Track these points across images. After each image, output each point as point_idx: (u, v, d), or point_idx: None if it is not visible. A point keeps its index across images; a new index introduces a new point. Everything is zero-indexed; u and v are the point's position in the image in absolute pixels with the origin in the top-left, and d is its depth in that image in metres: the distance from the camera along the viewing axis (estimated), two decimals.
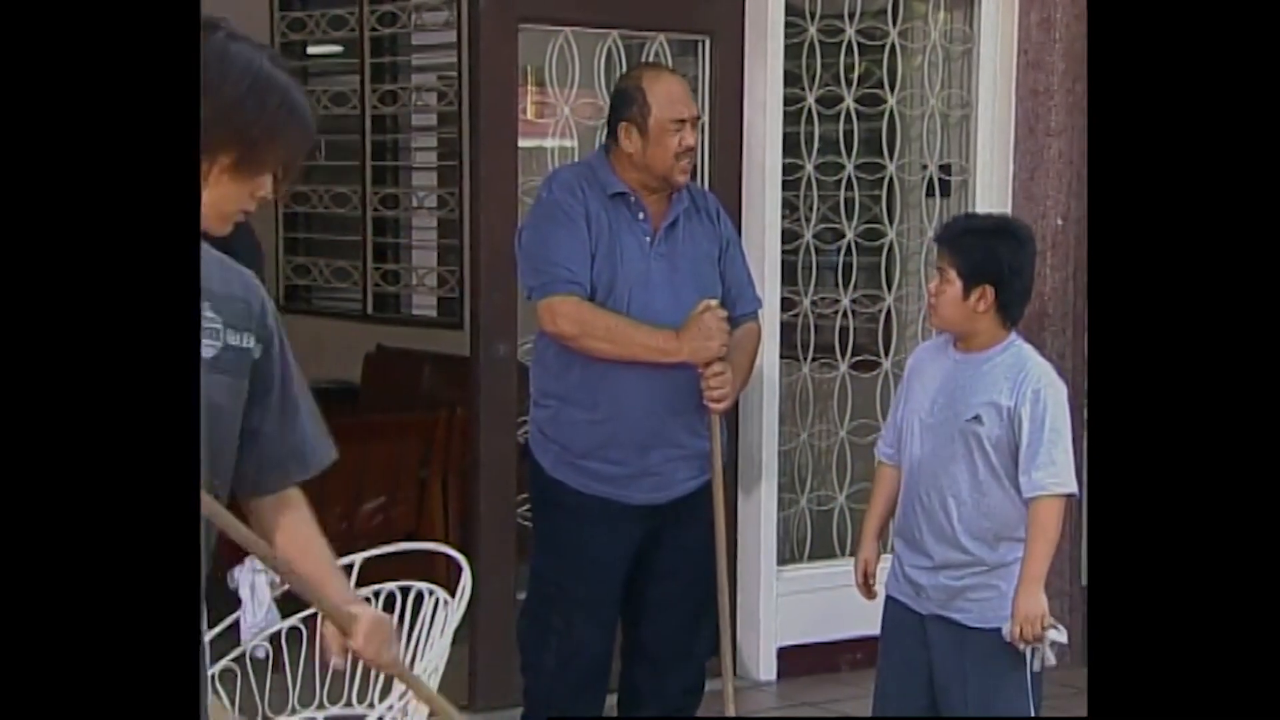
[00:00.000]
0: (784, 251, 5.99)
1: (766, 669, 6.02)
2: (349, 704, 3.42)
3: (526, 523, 5.00)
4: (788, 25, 5.94)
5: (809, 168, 6.12)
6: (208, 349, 2.42)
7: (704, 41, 5.88)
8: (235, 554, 3.85)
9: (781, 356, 6.02)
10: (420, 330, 8.19)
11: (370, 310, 8.56)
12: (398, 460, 6.47)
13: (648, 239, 4.41)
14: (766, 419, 5.95)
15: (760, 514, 5.96)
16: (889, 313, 6.36)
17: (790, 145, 6.00)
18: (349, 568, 3.49)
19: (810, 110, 6.09)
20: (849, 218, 6.24)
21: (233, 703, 3.11)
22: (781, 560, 6.08)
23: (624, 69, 5.58)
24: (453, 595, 3.20)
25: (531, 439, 4.53)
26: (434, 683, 3.01)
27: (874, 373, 6.33)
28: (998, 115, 6.34)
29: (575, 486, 4.39)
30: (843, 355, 6.28)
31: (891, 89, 6.29)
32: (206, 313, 2.42)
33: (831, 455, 6.29)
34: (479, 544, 5.46)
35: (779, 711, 5.81)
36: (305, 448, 2.67)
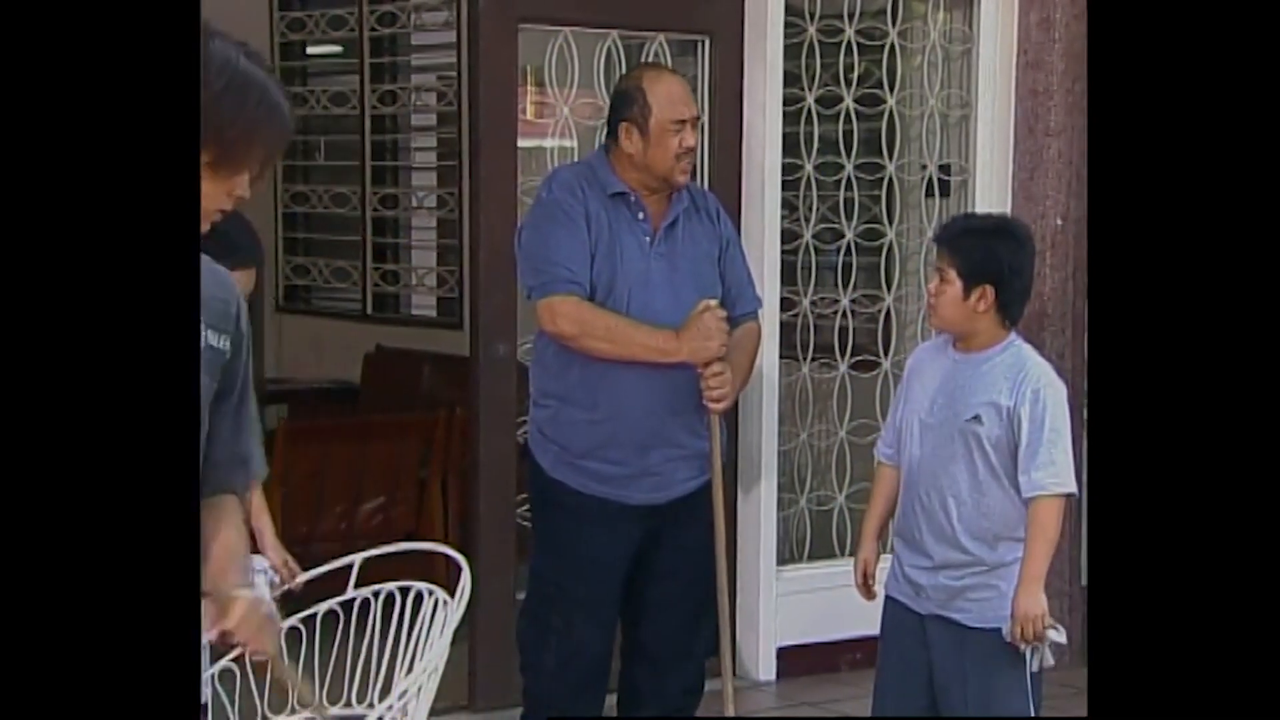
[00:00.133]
0: (783, 251, 5.99)
1: (766, 669, 6.02)
2: (349, 704, 3.41)
3: (526, 523, 5.00)
4: (787, 25, 5.94)
5: (808, 168, 6.12)
6: None
7: (704, 42, 5.88)
8: None
9: (781, 356, 6.02)
10: (420, 330, 8.19)
11: (370, 310, 8.57)
12: (397, 460, 6.47)
13: (647, 239, 4.41)
14: (766, 419, 5.95)
15: (760, 514, 5.96)
16: (888, 313, 6.36)
17: (790, 145, 6.00)
18: (349, 568, 3.50)
19: (810, 110, 6.09)
20: (848, 218, 6.24)
21: (232, 703, 3.10)
22: (781, 560, 6.09)
23: (624, 69, 5.58)
24: (452, 595, 3.19)
25: (531, 439, 4.53)
26: (434, 683, 3.01)
27: (873, 373, 6.33)
28: (997, 115, 6.34)
29: (575, 486, 4.39)
30: (842, 355, 6.28)
31: (891, 89, 6.29)
32: None
33: (831, 455, 6.29)
34: (479, 544, 5.46)
35: (779, 711, 5.81)
36: (249, 455, 2.67)
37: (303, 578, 3.86)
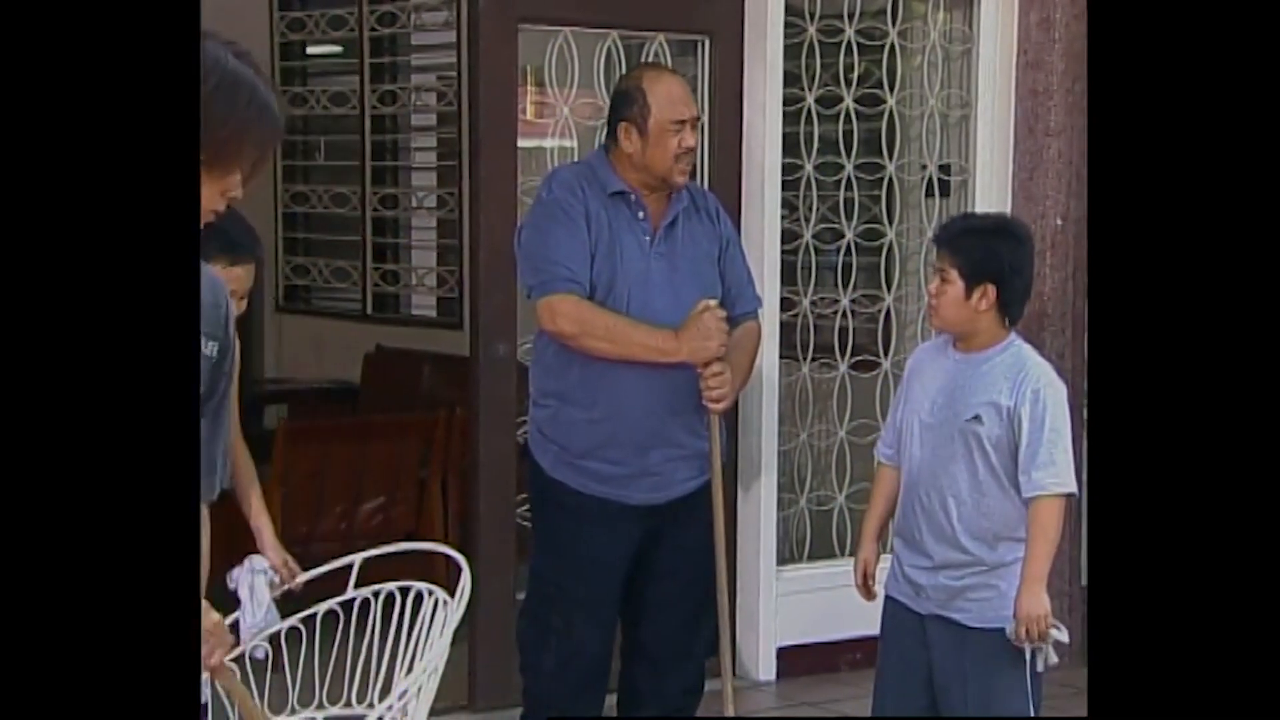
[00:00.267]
0: (783, 251, 5.99)
1: (766, 669, 6.02)
2: (349, 704, 3.41)
3: (526, 523, 5.00)
4: (787, 25, 5.94)
5: (808, 168, 6.12)
6: None
7: (703, 42, 5.88)
8: (233, 556, 3.86)
9: (781, 356, 6.02)
10: (420, 330, 8.19)
11: (370, 310, 8.57)
12: (397, 460, 6.47)
13: (647, 238, 4.41)
14: (766, 419, 5.95)
15: (760, 514, 5.96)
16: (888, 313, 6.36)
17: (790, 145, 6.00)
18: (349, 568, 3.50)
19: (810, 110, 6.10)
20: (848, 218, 6.24)
21: (232, 703, 3.10)
22: (781, 560, 6.09)
23: (623, 69, 5.58)
24: (452, 595, 3.19)
25: (531, 439, 4.53)
26: (434, 683, 3.01)
27: (873, 373, 6.33)
28: (997, 115, 6.34)
29: (574, 486, 4.39)
30: (842, 355, 6.28)
31: (891, 89, 6.29)
32: None
33: (831, 455, 6.29)
34: (479, 544, 5.46)
35: (778, 711, 5.81)
36: (217, 465, 2.63)
37: (303, 578, 3.87)
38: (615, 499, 4.38)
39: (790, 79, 5.98)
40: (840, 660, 6.04)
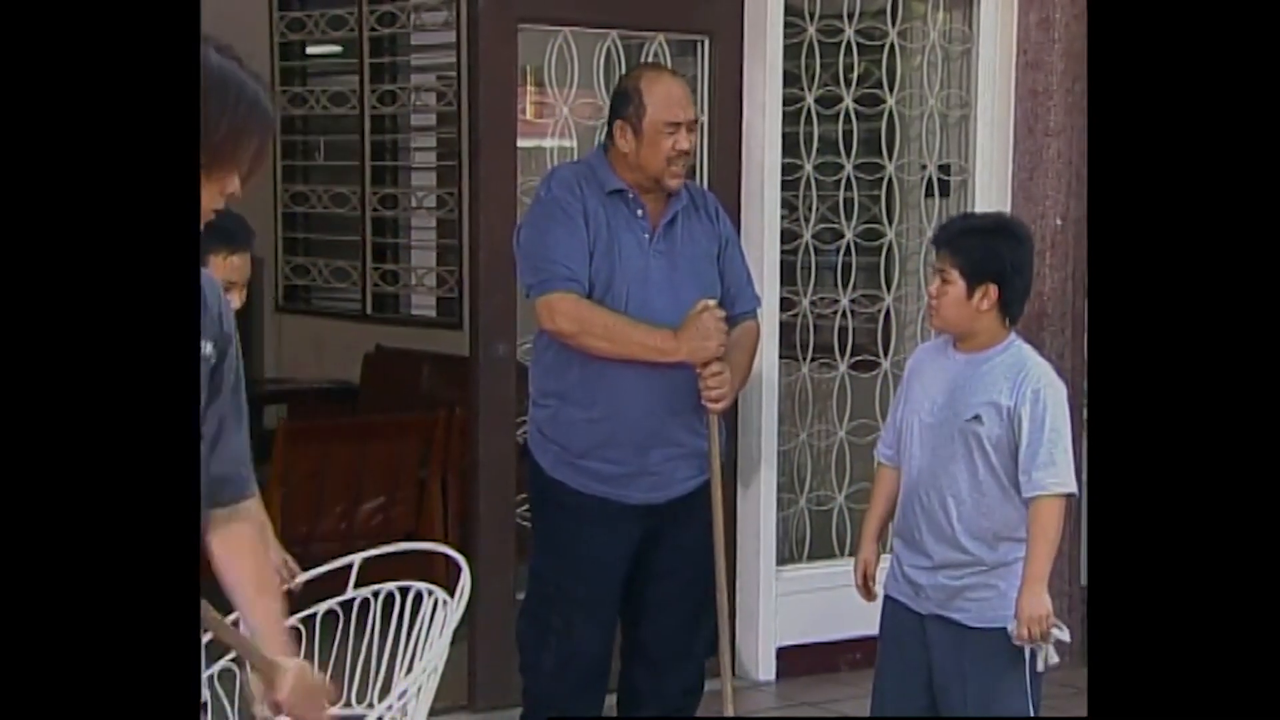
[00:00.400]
0: (783, 251, 5.99)
1: (766, 669, 6.02)
2: (348, 704, 3.41)
3: (526, 523, 5.00)
4: (787, 25, 5.94)
5: (808, 168, 6.12)
6: None
7: (703, 42, 5.88)
8: None
9: (781, 356, 6.02)
10: (419, 330, 8.19)
11: (370, 310, 8.57)
12: (397, 460, 6.47)
13: (646, 236, 4.41)
14: (765, 419, 5.95)
15: (759, 514, 5.96)
16: (888, 313, 6.36)
17: (789, 145, 6.00)
18: (349, 568, 3.50)
19: (809, 110, 6.09)
20: (848, 218, 6.24)
21: (232, 703, 3.10)
22: (780, 560, 6.08)
23: (623, 69, 5.58)
24: (452, 595, 3.19)
25: (530, 439, 4.53)
26: (434, 683, 3.01)
27: (873, 373, 6.33)
28: (997, 115, 6.34)
29: (574, 486, 4.39)
30: (842, 355, 6.28)
31: (890, 89, 6.29)
32: None
33: (830, 455, 6.29)
34: (478, 544, 5.46)
35: (778, 711, 5.81)
36: (240, 467, 2.61)
37: (302, 578, 3.86)
38: (615, 498, 4.38)
39: (790, 79, 5.98)
40: (840, 660, 6.03)
